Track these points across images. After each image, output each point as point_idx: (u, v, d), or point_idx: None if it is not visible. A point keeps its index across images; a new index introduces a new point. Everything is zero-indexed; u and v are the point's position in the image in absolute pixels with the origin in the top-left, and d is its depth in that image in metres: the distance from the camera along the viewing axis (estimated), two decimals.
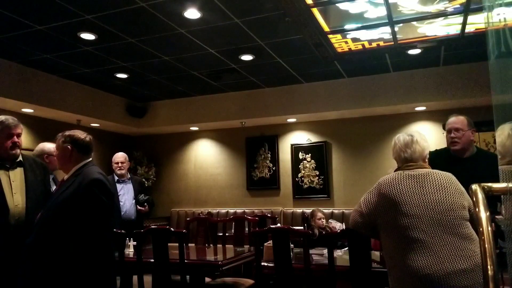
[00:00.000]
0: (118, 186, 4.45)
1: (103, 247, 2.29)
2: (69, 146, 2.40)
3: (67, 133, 2.47)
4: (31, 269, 2.23)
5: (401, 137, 2.20)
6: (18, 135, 2.67)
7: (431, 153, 2.83)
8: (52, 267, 2.19)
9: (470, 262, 1.83)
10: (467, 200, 1.99)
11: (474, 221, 1.98)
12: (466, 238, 1.88)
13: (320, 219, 4.30)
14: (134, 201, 4.48)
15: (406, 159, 2.12)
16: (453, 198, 1.95)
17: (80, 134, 2.49)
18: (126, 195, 4.46)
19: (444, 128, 4.53)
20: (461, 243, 1.86)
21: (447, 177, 2.04)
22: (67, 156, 2.40)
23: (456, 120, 2.87)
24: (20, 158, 2.72)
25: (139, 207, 4.46)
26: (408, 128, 6.36)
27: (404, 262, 1.90)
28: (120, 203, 4.36)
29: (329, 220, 4.36)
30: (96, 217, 2.25)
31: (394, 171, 2.15)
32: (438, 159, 2.81)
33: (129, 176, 4.61)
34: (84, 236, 2.21)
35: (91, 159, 2.49)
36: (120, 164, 4.50)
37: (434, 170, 2.08)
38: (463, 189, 2.02)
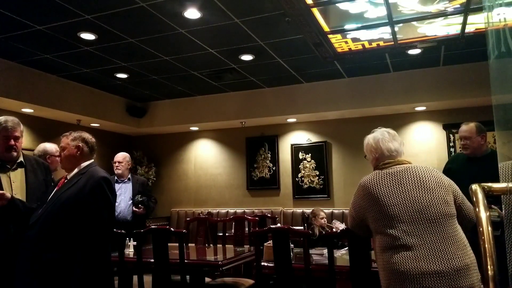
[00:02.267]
0: (117, 186, 4.40)
1: (103, 245, 2.30)
2: (81, 144, 2.46)
3: (75, 133, 2.51)
4: (30, 264, 2.23)
5: (384, 132, 2.19)
6: (16, 138, 2.64)
7: (451, 157, 3.25)
8: (52, 263, 2.19)
9: (447, 265, 1.77)
10: (451, 192, 1.95)
11: (462, 211, 1.98)
12: (448, 239, 1.83)
13: (322, 218, 4.30)
14: (130, 202, 4.41)
15: (396, 151, 2.11)
16: (432, 194, 1.91)
17: (87, 134, 2.58)
18: (122, 195, 4.40)
19: (444, 128, 5.24)
20: (441, 244, 1.81)
21: (428, 172, 2.00)
22: (78, 154, 2.45)
23: (465, 129, 3.31)
24: (21, 158, 2.72)
25: (134, 209, 4.36)
26: (408, 128, 6.37)
27: (383, 259, 1.92)
28: (116, 203, 4.30)
29: (333, 221, 4.35)
30: (101, 214, 2.27)
31: (373, 170, 2.15)
32: (455, 161, 3.31)
33: (129, 176, 4.55)
34: (87, 233, 2.22)
35: (93, 160, 2.53)
36: (117, 164, 4.46)
37: (413, 165, 2.05)
38: (446, 181, 1.98)
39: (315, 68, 5.72)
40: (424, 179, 1.96)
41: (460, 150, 3.53)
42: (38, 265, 2.21)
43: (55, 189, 2.46)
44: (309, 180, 6.88)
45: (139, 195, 4.41)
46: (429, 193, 1.92)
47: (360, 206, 2.08)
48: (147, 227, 3.34)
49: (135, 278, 3.22)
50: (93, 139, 2.58)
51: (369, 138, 2.23)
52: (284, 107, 6.59)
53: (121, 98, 7.09)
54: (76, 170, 2.43)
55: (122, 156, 4.52)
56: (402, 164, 2.07)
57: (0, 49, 4.76)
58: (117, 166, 4.47)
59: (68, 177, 2.45)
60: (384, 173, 2.04)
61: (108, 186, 2.36)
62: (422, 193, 1.92)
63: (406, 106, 6.08)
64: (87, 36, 4.42)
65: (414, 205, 1.90)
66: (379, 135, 2.18)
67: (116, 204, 4.30)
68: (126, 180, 4.51)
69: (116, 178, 4.46)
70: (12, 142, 2.61)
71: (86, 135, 2.55)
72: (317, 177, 6.83)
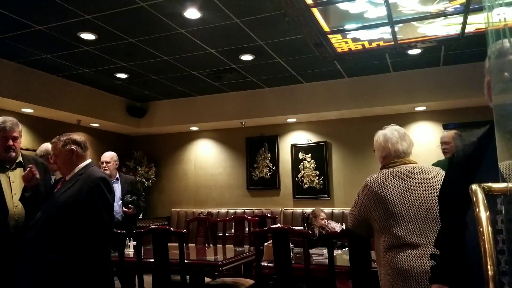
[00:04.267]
0: None
1: (103, 245, 2.30)
2: (73, 147, 2.44)
3: (63, 138, 2.48)
4: (32, 265, 2.24)
5: (394, 132, 2.15)
6: (14, 138, 2.64)
7: (434, 164, 3.45)
8: (53, 263, 2.20)
9: None
10: None
11: None
12: None
13: (323, 219, 4.31)
14: (120, 202, 4.24)
15: (403, 152, 2.09)
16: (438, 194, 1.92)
17: (75, 135, 2.56)
18: None
19: (444, 128, 5.48)
20: None
21: (434, 172, 2.00)
22: (72, 158, 2.43)
23: (446, 135, 3.87)
24: (20, 158, 2.72)
25: (124, 209, 4.19)
26: (408, 128, 6.37)
27: (387, 258, 1.92)
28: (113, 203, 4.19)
29: (328, 221, 4.36)
30: (100, 215, 2.28)
31: (380, 169, 2.14)
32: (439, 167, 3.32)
33: (117, 176, 4.39)
34: (86, 233, 2.22)
35: (90, 160, 2.52)
36: (105, 164, 4.28)
37: (420, 165, 2.05)
38: None
39: (315, 68, 5.72)
40: (430, 178, 1.96)
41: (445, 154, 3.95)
42: (40, 266, 2.21)
43: (54, 191, 2.46)
44: (309, 180, 6.87)
45: (129, 195, 4.25)
46: (435, 193, 1.92)
47: (365, 205, 2.07)
48: (147, 227, 3.34)
49: (135, 278, 3.22)
50: (83, 138, 2.57)
51: (379, 136, 2.20)
52: (284, 107, 6.59)
53: (121, 98, 7.09)
54: (74, 172, 2.43)
55: (109, 156, 4.33)
56: (409, 163, 2.06)
57: (0, 49, 4.76)
58: (104, 167, 4.27)
59: (67, 179, 2.45)
60: (390, 172, 2.04)
61: (106, 186, 2.36)
62: (428, 193, 1.93)
63: (406, 106, 6.08)
64: (87, 36, 4.42)
65: (420, 204, 1.90)
66: (389, 134, 2.15)
67: None
68: (114, 180, 4.32)
69: None
70: (11, 142, 2.61)
71: (75, 136, 2.53)
72: (317, 177, 6.83)
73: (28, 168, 2.50)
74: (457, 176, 1.29)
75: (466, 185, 1.20)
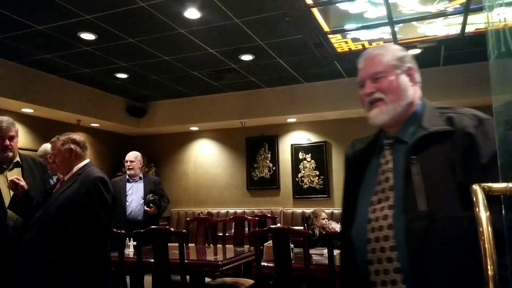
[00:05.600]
0: (128, 185, 4.31)
1: (101, 245, 2.30)
2: (72, 146, 2.43)
3: (63, 137, 2.47)
4: (31, 265, 2.24)
5: None
6: (11, 138, 2.62)
7: None
8: (53, 263, 2.20)
9: None
10: None
11: None
12: None
13: (324, 219, 4.31)
14: (142, 201, 4.29)
15: None
16: None
17: (74, 134, 2.56)
18: (133, 195, 4.29)
19: None
20: None
21: None
22: (71, 157, 2.43)
23: None
24: (18, 158, 2.71)
25: (145, 208, 4.23)
26: None
27: None
28: (127, 203, 4.22)
29: (329, 221, 4.36)
30: (98, 215, 2.27)
31: None
32: None
33: (141, 175, 4.44)
34: (85, 233, 2.22)
35: (89, 160, 2.52)
36: (129, 163, 4.35)
37: None
38: None
39: (315, 68, 5.72)
40: None
41: None
42: (39, 266, 2.21)
43: (53, 191, 2.46)
44: (309, 180, 6.88)
45: (151, 194, 4.28)
46: None
47: None
48: (147, 227, 3.33)
49: (135, 278, 3.22)
50: (82, 138, 2.56)
51: None
52: (284, 107, 6.59)
53: (121, 98, 7.09)
54: (72, 172, 2.43)
55: (133, 155, 4.41)
56: None
57: (0, 49, 4.77)
58: (129, 166, 4.35)
59: (65, 179, 2.45)
60: None
61: (104, 186, 2.35)
62: None
63: None
64: (87, 36, 4.42)
65: None
66: None
67: (127, 203, 4.23)
68: (137, 179, 4.39)
69: (127, 177, 4.36)
70: (7, 142, 2.60)
71: (75, 136, 2.52)
72: (317, 177, 6.83)
73: (10, 180, 2.46)
74: (345, 185, 1.38)
75: (349, 194, 1.28)
